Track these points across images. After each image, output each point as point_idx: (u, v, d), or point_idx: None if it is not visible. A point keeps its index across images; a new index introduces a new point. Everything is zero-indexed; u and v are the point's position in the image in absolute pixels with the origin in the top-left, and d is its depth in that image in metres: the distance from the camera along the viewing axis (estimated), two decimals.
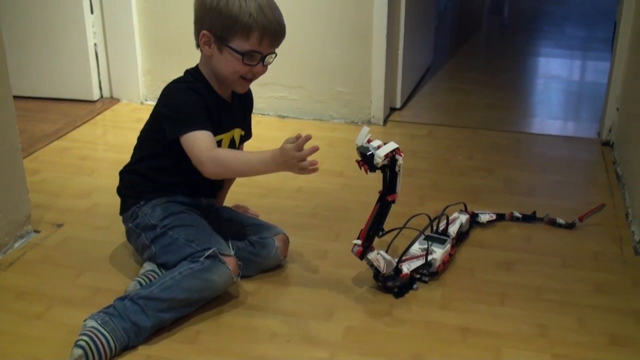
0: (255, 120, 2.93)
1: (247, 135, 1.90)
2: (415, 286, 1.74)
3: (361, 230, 1.68)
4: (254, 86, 2.93)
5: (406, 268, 1.72)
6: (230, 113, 1.76)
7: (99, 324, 1.48)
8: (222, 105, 1.73)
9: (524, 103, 3.40)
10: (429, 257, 1.76)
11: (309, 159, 1.52)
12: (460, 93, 3.39)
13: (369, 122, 2.88)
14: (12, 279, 1.78)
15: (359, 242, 1.67)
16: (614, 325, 1.63)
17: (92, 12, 2.93)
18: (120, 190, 1.83)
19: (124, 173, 1.82)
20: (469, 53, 4.21)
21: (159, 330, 1.56)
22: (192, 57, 3.04)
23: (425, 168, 2.48)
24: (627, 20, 2.61)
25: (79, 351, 1.43)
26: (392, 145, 1.59)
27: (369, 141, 1.60)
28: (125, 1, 2.89)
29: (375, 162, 1.57)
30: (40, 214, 2.06)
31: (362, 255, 1.67)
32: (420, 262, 1.75)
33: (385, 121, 2.91)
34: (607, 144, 2.71)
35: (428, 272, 1.77)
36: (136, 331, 1.51)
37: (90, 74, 2.98)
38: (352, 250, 1.69)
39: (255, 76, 1.70)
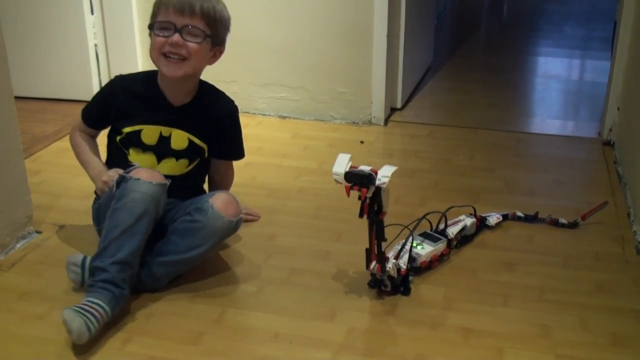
0: (256, 120, 2.95)
1: (220, 154, 1.90)
2: (410, 278, 1.74)
3: (367, 249, 1.66)
4: (255, 86, 2.96)
5: (403, 264, 1.71)
6: (168, 112, 1.80)
7: (79, 306, 1.52)
8: (156, 100, 1.80)
9: (524, 103, 3.40)
10: (413, 252, 1.75)
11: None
12: (461, 93, 3.39)
13: (369, 123, 2.88)
14: (14, 279, 1.78)
15: (374, 262, 1.66)
16: (617, 325, 1.63)
17: (92, 12, 2.93)
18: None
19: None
20: (468, 53, 4.22)
21: (161, 331, 1.56)
22: None
23: (426, 168, 2.48)
24: (628, 19, 2.61)
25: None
26: (392, 168, 1.57)
27: (352, 167, 1.58)
28: (125, 1, 2.89)
29: (380, 182, 1.55)
30: (41, 214, 2.06)
31: (382, 269, 1.66)
32: (407, 255, 1.74)
33: (386, 121, 2.91)
34: (608, 143, 2.71)
35: (411, 267, 1.76)
36: (112, 284, 1.57)
37: (90, 74, 2.98)
38: (368, 268, 1.68)
39: (173, 48, 1.71)
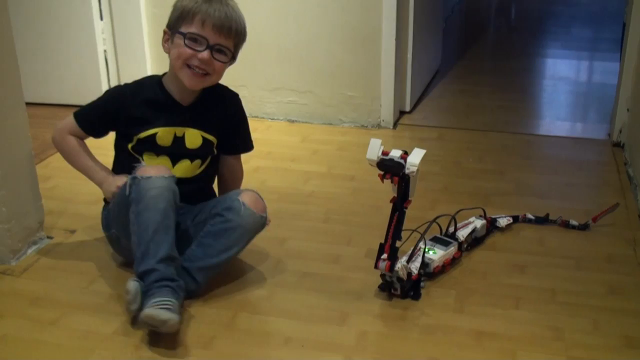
0: (266, 125, 2.96)
1: (230, 148, 1.90)
2: (422, 284, 1.74)
3: (383, 244, 1.66)
4: (263, 91, 2.97)
5: (414, 269, 1.71)
6: (180, 113, 1.79)
7: (153, 305, 1.51)
8: (166, 103, 1.79)
9: (533, 105, 3.39)
10: (426, 258, 1.75)
11: None
12: (469, 95, 3.39)
13: (378, 126, 2.88)
14: (26, 285, 1.79)
15: (385, 256, 1.66)
16: (629, 327, 1.62)
17: (101, 18, 2.94)
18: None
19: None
20: (476, 55, 4.21)
21: (173, 335, 1.55)
22: None
23: (436, 171, 2.47)
24: (636, 21, 2.60)
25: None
26: (421, 152, 1.58)
27: (384, 153, 1.58)
28: (134, 7, 2.90)
29: (409, 171, 1.56)
30: (52, 220, 2.07)
31: (391, 268, 1.65)
32: (419, 260, 1.74)
33: (395, 124, 2.91)
34: (617, 145, 2.70)
35: (424, 272, 1.76)
36: (172, 281, 1.57)
37: (100, 80, 3.00)
38: (377, 267, 1.67)
39: (200, 64, 1.71)
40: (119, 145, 1.85)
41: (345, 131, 2.86)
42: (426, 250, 1.77)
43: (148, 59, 2.99)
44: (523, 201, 2.24)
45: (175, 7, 1.75)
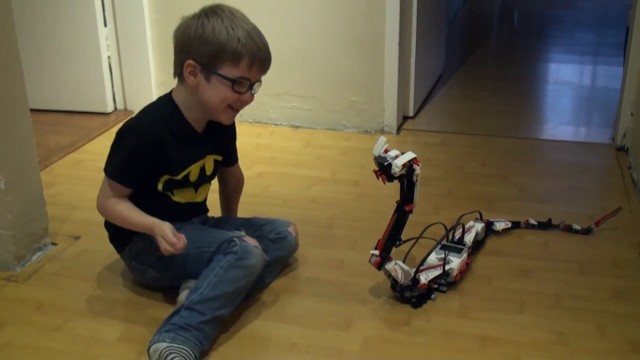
0: (269, 130, 2.96)
1: (232, 160, 1.89)
2: (433, 296, 1.73)
3: (379, 240, 1.68)
4: (267, 97, 2.96)
5: (424, 278, 1.72)
6: (200, 143, 1.74)
7: (170, 343, 1.48)
8: (190, 135, 1.71)
9: (536, 109, 3.39)
10: (447, 267, 1.75)
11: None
12: (472, 100, 3.39)
13: (382, 131, 2.88)
14: (30, 291, 1.79)
15: (377, 252, 1.67)
16: (635, 331, 1.62)
17: (105, 25, 2.95)
18: (110, 239, 1.82)
19: (108, 226, 1.80)
20: (479, 60, 4.21)
21: None
22: None
23: (440, 176, 2.47)
24: None
25: None
26: (409, 155, 1.60)
27: (386, 151, 1.60)
28: (138, 14, 2.91)
29: (393, 171, 1.57)
30: (57, 226, 2.07)
31: (380, 265, 1.67)
32: (437, 271, 1.75)
33: (398, 130, 2.91)
34: (621, 149, 2.70)
35: (446, 282, 1.76)
36: (204, 335, 1.52)
37: (104, 86, 3.00)
38: (369, 261, 1.69)
39: (242, 105, 1.67)
40: (148, 187, 1.70)
41: (349, 136, 2.86)
42: (439, 258, 1.77)
43: (152, 66, 3.00)
44: (526, 206, 2.24)
45: (206, 40, 1.60)
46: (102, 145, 2.76)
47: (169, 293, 1.74)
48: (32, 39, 2.90)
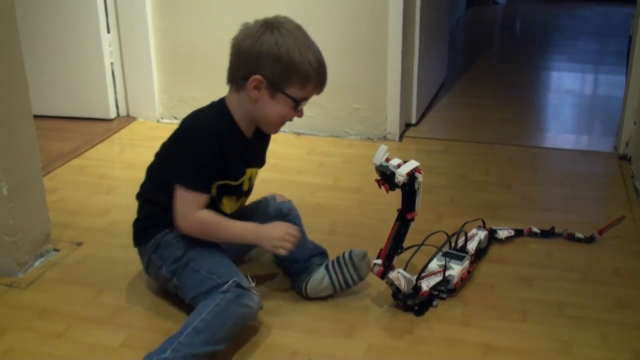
0: (272, 137, 2.95)
1: (262, 165, 1.88)
2: (434, 303, 1.73)
3: (381, 249, 1.67)
4: None
5: (425, 285, 1.71)
6: (250, 151, 1.74)
7: None
8: (244, 143, 1.70)
9: (539, 117, 3.40)
10: (447, 274, 1.75)
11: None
12: (475, 108, 3.39)
13: (384, 138, 2.88)
14: (33, 297, 1.79)
15: (379, 261, 1.66)
16: (638, 340, 1.61)
17: (108, 31, 2.95)
18: (139, 221, 1.77)
19: (145, 202, 1.76)
20: (482, 68, 4.22)
21: None
22: (207, 75, 3.07)
23: (443, 184, 2.47)
24: None
25: None
26: (413, 164, 1.59)
27: (387, 160, 1.60)
28: (141, 20, 2.92)
29: (396, 180, 1.57)
30: (59, 232, 2.07)
31: (383, 274, 1.66)
32: (438, 278, 1.74)
33: (401, 137, 2.91)
34: (624, 157, 2.69)
35: (446, 289, 1.76)
36: None
37: (106, 92, 3.01)
38: (372, 270, 1.69)
39: (292, 119, 1.69)
40: None
41: (351, 143, 2.86)
42: (441, 265, 1.77)
43: (154, 72, 3.00)
44: (529, 214, 2.24)
45: (279, 59, 1.59)
46: (104, 152, 2.77)
47: (172, 300, 1.74)
48: (35, 46, 2.91)
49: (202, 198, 1.63)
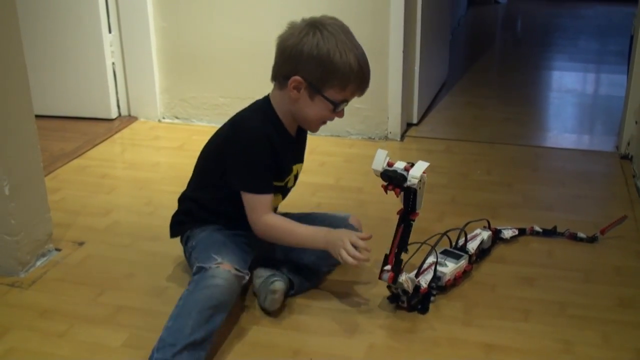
0: None
1: (303, 161, 1.89)
2: (432, 298, 1.73)
3: (386, 255, 1.66)
4: None
5: (424, 282, 1.71)
6: (294, 149, 1.76)
7: None
8: (288, 142, 1.73)
9: (540, 117, 3.39)
10: (438, 271, 1.75)
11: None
12: (476, 107, 3.39)
13: (386, 138, 2.88)
14: (34, 297, 1.79)
15: (388, 267, 1.65)
16: None
17: (110, 31, 2.95)
18: (177, 215, 1.82)
19: (186, 198, 1.82)
20: (483, 67, 4.22)
21: None
22: (208, 75, 3.07)
23: (444, 183, 2.47)
24: None
25: None
26: (423, 164, 1.58)
27: (389, 164, 1.59)
28: (142, 20, 2.92)
29: (410, 184, 1.56)
30: (61, 232, 2.07)
31: (394, 280, 1.65)
32: (430, 274, 1.74)
33: (402, 137, 2.91)
34: (626, 157, 2.69)
35: (436, 286, 1.75)
36: None
37: (108, 92, 3.01)
38: (381, 277, 1.66)
39: (333, 119, 1.70)
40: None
41: (353, 143, 2.86)
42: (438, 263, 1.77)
43: (156, 72, 3.00)
44: (531, 213, 2.23)
45: (320, 61, 1.60)
46: (106, 151, 2.77)
47: (173, 297, 1.74)
48: (37, 46, 2.91)
49: (267, 199, 1.66)
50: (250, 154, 1.65)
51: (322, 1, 2.77)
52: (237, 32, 2.87)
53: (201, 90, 2.98)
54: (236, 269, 1.60)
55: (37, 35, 2.91)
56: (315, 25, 1.62)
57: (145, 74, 3.00)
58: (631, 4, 3.36)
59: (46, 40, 2.94)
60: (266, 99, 1.73)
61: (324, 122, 1.71)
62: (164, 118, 3.07)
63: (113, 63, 3.00)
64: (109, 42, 2.96)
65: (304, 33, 1.61)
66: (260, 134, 1.65)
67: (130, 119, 3.07)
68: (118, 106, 3.07)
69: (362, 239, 1.61)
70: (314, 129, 1.74)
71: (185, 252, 1.79)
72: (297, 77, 1.62)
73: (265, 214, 1.66)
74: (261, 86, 2.92)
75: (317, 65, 1.60)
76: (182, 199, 1.84)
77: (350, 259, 1.59)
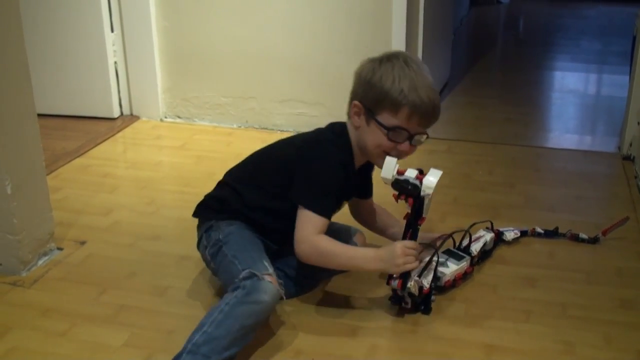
0: (275, 136, 2.94)
1: (369, 193, 1.88)
2: (433, 297, 1.73)
3: None
4: (273, 102, 2.97)
5: (426, 283, 1.71)
6: (353, 180, 1.73)
7: None
8: (352, 176, 1.71)
9: (542, 117, 3.39)
10: (439, 271, 1.75)
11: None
12: (478, 108, 3.39)
13: None
14: (36, 296, 1.79)
15: (396, 277, 1.65)
16: None
17: (112, 30, 2.95)
18: (209, 198, 1.79)
19: (225, 184, 1.77)
20: (485, 68, 4.21)
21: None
22: (210, 75, 3.07)
23: (446, 184, 2.44)
24: None
25: None
26: (437, 173, 1.57)
27: (399, 172, 1.58)
28: (145, 20, 2.92)
29: (424, 194, 1.55)
30: (63, 231, 2.07)
31: (403, 286, 1.64)
32: (431, 274, 1.73)
33: None
34: (628, 158, 2.69)
35: (435, 286, 1.75)
36: None
37: (110, 91, 3.01)
38: (389, 284, 1.66)
39: (400, 155, 1.64)
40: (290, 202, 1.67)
41: None
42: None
43: (158, 71, 3.00)
44: (533, 214, 2.23)
45: (373, 85, 1.62)
46: (108, 151, 2.77)
47: (175, 297, 1.75)
48: (39, 45, 2.91)
49: (323, 222, 1.62)
50: (324, 176, 1.64)
51: (325, 2, 2.78)
52: (240, 32, 2.87)
53: (203, 90, 2.98)
54: (279, 284, 1.57)
55: (40, 34, 2.91)
56: (383, 56, 1.66)
57: (148, 73, 3.00)
58: (634, 5, 3.36)
59: (48, 39, 2.94)
60: (342, 125, 1.72)
61: (385, 153, 1.63)
62: (166, 117, 3.07)
63: (115, 62, 3.00)
64: (111, 41, 2.96)
65: (369, 61, 1.66)
66: (336, 161, 1.65)
67: (132, 118, 3.07)
68: (120, 105, 3.07)
69: (409, 247, 1.61)
70: (375, 159, 1.69)
71: (202, 238, 1.73)
72: (356, 102, 1.65)
73: (316, 234, 1.62)
74: (262, 86, 2.94)
75: (371, 88, 1.62)
76: (223, 185, 1.78)
77: (409, 266, 1.60)
